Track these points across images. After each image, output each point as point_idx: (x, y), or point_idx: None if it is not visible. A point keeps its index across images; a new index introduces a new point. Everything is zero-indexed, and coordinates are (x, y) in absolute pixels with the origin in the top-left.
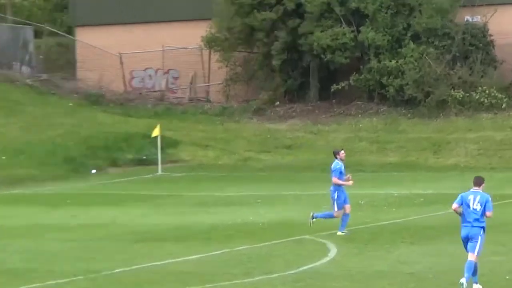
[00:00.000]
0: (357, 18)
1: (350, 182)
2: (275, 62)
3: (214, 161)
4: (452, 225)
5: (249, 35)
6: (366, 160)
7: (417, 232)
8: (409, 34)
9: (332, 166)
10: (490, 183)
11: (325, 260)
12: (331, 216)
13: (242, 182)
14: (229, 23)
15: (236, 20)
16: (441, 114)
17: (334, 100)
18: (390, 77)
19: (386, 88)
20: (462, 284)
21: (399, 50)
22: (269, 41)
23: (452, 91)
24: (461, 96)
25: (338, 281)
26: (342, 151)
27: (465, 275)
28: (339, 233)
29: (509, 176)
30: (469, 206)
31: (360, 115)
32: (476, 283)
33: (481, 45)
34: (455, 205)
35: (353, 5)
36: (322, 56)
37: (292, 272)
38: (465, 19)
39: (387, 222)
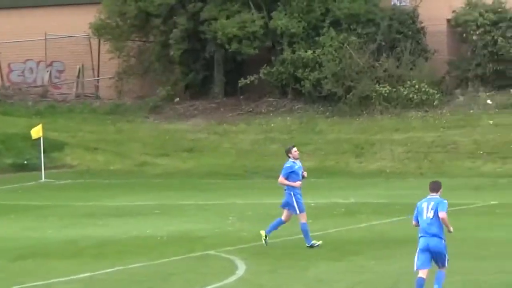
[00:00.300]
0: (268, 1)
1: (298, 183)
2: (174, 53)
3: (104, 166)
4: (377, 238)
5: (144, 21)
6: (279, 165)
7: (337, 246)
8: (328, 21)
9: (285, 165)
10: (419, 191)
11: (232, 278)
12: (281, 223)
13: (137, 190)
14: (121, 7)
15: (129, 4)
16: (364, 112)
17: (242, 97)
18: (306, 70)
19: (302, 83)
20: None
21: (316, 38)
22: (167, 28)
23: (376, 85)
24: (387, 91)
25: None
26: (295, 149)
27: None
28: (262, 232)
29: (444, 182)
30: (422, 215)
31: (271, 114)
32: None
33: (410, 33)
34: (414, 222)
35: None
36: (228, 46)
37: None
38: (392, 3)
39: (300, 236)
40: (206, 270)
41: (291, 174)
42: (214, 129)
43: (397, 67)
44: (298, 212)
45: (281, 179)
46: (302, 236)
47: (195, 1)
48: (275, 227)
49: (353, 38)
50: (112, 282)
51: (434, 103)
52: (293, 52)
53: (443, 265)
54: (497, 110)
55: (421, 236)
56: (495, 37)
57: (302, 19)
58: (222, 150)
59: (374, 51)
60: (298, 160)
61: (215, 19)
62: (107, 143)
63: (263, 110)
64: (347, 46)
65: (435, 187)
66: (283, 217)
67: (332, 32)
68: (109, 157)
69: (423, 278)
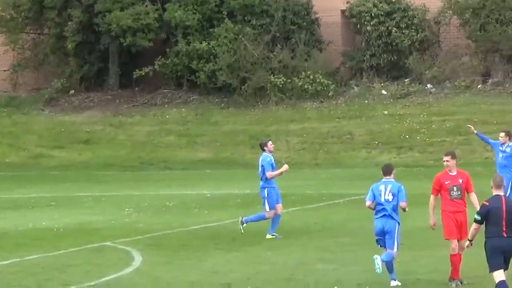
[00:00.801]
0: None
1: (285, 166)
2: (69, 45)
3: (0, 159)
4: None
5: (39, 13)
6: (175, 156)
7: (233, 237)
8: (222, 12)
9: (261, 160)
10: (315, 181)
11: (128, 270)
12: (262, 218)
13: (33, 182)
14: (15, 0)
15: None
16: (260, 103)
17: (137, 88)
18: (201, 62)
19: (197, 74)
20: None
21: (211, 30)
22: (61, 20)
23: (271, 77)
24: (282, 82)
25: None
26: (270, 142)
27: (391, 275)
28: (268, 236)
29: (336, 172)
30: (381, 197)
31: (167, 105)
32: (395, 280)
33: (304, 24)
34: (368, 202)
35: None
36: (122, 38)
37: (92, 283)
38: None
39: (198, 227)
40: (102, 262)
41: (272, 168)
42: (109, 121)
43: (292, 58)
44: (267, 209)
45: (269, 173)
46: (197, 227)
47: None
48: (276, 222)
49: (247, 29)
50: (8, 274)
51: (329, 94)
52: (188, 43)
53: (391, 248)
54: (391, 100)
55: (377, 218)
56: (389, 28)
57: (196, 11)
58: (117, 142)
59: (269, 42)
60: (272, 153)
61: (109, 11)
62: (2, 135)
63: (158, 102)
64: (242, 38)
65: (388, 170)
66: (278, 211)
67: (227, 24)
68: (4, 150)
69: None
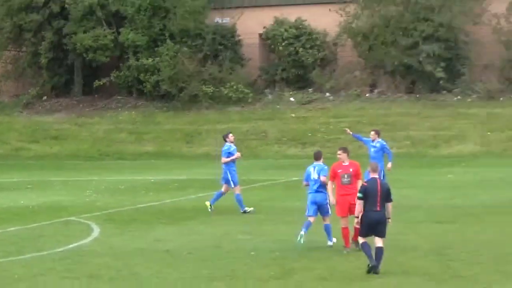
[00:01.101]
0: (118, 20)
1: (238, 154)
2: (43, 60)
3: None
4: (203, 207)
5: (18, 35)
6: (126, 149)
7: (172, 214)
8: (165, 35)
9: (223, 148)
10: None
11: (89, 239)
12: (221, 195)
13: (14, 170)
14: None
15: (6, 21)
16: (194, 108)
17: (96, 95)
18: (147, 74)
19: (144, 84)
20: (302, 236)
21: (156, 49)
22: (36, 40)
23: (203, 86)
24: (212, 91)
25: (101, 257)
26: (231, 134)
27: (303, 230)
28: (207, 203)
29: (254, 163)
30: (311, 177)
31: (120, 109)
32: (331, 241)
33: (229, 44)
34: (304, 183)
35: (113, 8)
36: (85, 55)
37: (61, 250)
38: (215, 21)
39: (145, 205)
40: (68, 233)
41: (228, 155)
42: (74, 121)
43: (219, 71)
44: (233, 185)
45: (223, 159)
46: (144, 205)
47: (59, 19)
48: (217, 198)
49: (184, 48)
50: None
51: (249, 100)
52: (137, 60)
53: (327, 215)
54: (298, 105)
55: (310, 193)
56: (297, 48)
57: (144, 34)
58: (81, 137)
59: (201, 59)
60: (233, 144)
61: (75, 33)
62: None
63: (113, 106)
64: (180, 55)
65: (317, 156)
66: (222, 189)
67: (168, 44)
68: None
69: (310, 222)
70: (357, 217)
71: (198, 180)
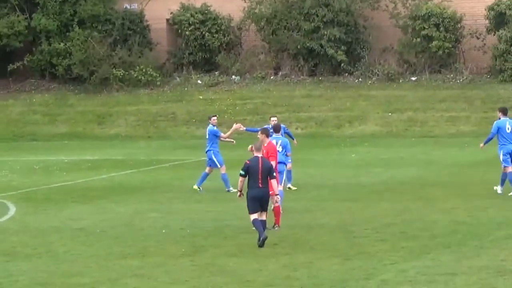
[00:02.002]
0: (30, 6)
1: (239, 125)
2: None
3: None
4: (116, 186)
5: None
6: (40, 131)
7: (84, 193)
8: (76, 20)
9: (208, 130)
10: (148, 150)
11: (6, 217)
12: (206, 175)
13: None
14: None
15: None
16: (105, 90)
17: (11, 78)
18: (60, 58)
19: (56, 68)
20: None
21: (67, 34)
22: None
23: (113, 70)
24: (122, 74)
25: (18, 235)
26: (214, 117)
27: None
28: (195, 187)
29: (164, 143)
30: None
31: (33, 91)
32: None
33: (138, 29)
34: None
35: None
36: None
37: None
38: (124, 7)
39: (59, 185)
40: None
41: (213, 135)
42: None
43: (129, 55)
44: (218, 166)
45: (222, 136)
46: (58, 185)
47: None
48: (203, 179)
49: (95, 33)
50: None
51: (158, 83)
52: (50, 44)
53: (280, 183)
54: (205, 88)
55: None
56: (203, 32)
57: (56, 19)
58: None
59: (111, 43)
60: (215, 126)
61: None
62: None
63: (27, 89)
64: (91, 40)
65: (277, 129)
66: (206, 170)
67: (79, 29)
68: None
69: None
70: (240, 191)
71: (109, 160)
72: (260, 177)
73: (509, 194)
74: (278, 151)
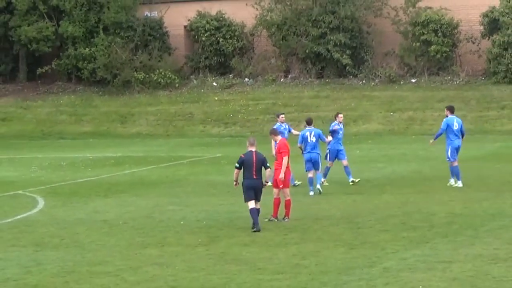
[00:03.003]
0: (58, 13)
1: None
2: None
3: None
4: (137, 181)
5: None
6: (66, 130)
7: (108, 187)
8: (100, 27)
9: (279, 127)
10: (167, 147)
11: (35, 210)
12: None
13: None
14: None
15: None
16: (127, 92)
17: (39, 81)
18: (85, 62)
19: (82, 71)
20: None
21: (92, 40)
22: None
23: (135, 73)
24: (143, 77)
25: (47, 227)
26: (282, 115)
27: (310, 187)
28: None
29: (181, 141)
30: (307, 140)
31: (61, 93)
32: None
33: (158, 35)
34: (299, 144)
35: (54, 2)
36: (29, 46)
37: (9, 220)
38: (145, 14)
39: (84, 180)
40: (16, 205)
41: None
42: (20, 105)
43: (149, 59)
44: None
45: (293, 132)
46: (83, 180)
47: (5, 13)
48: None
49: (118, 39)
50: None
51: (176, 85)
52: (76, 49)
53: (318, 169)
54: (220, 90)
55: (307, 152)
56: (218, 38)
57: (82, 26)
58: (26, 119)
59: (133, 48)
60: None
61: (20, 26)
62: None
63: (55, 91)
64: (114, 45)
65: (309, 122)
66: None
67: (103, 35)
68: None
69: (311, 177)
70: (236, 181)
71: (131, 157)
72: (254, 169)
73: (448, 185)
74: (312, 141)
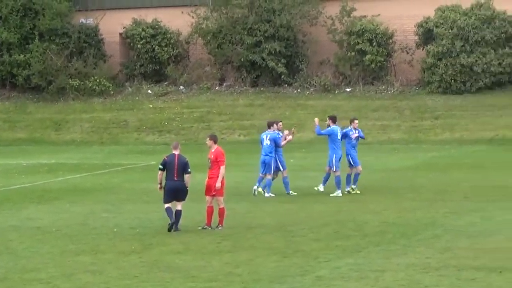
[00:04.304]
0: None
1: (290, 131)
2: None
3: None
4: (70, 188)
5: None
6: (0, 136)
7: (42, 194)
8: (35, 33)
9: (276, 136)
10: (101, 155)
11: None
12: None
13: None
14: None
15: None
16: (61, 99)
17: None
18: (20, 69)
19: (16, 78)
20: (255, 190)
21: (27, 46)
22: None
23: (70, 80)
24: (77, 84)
25: None
26: (280, 123)
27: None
28: (260, 189)
29: (116, 148)
30: (263, 143)
31: None
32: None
33: (93, 42)
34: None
35: None
36: None
37: None
38: (80, 21)
39: (18, 186)
40: None
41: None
42: None
43: (84, 66)
44: (282, 169)
45: (282, 142)
46: (17, 186)
47: None
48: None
49: (53, 46)
50: None
51: (111, 93)
52: (10, 56)
53: (269, 172)
54: (155, 97)
55: (262, 155)
56: (154, 46)
57: (17, 32)
58: None
59: (68, 55)
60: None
61: None
62: None
63: None
64: (49, 52)
65: (268, 125)
66: (285, 174)
67: (38, 42)
68: None
69: (261, 177)
70: (160, 184)
71: (66, 164)
72: (175, 171)
73: (331, 195)
74: (267, 144)
